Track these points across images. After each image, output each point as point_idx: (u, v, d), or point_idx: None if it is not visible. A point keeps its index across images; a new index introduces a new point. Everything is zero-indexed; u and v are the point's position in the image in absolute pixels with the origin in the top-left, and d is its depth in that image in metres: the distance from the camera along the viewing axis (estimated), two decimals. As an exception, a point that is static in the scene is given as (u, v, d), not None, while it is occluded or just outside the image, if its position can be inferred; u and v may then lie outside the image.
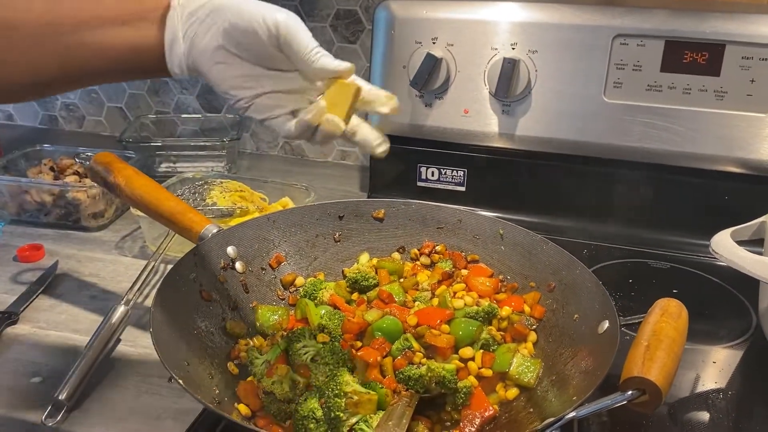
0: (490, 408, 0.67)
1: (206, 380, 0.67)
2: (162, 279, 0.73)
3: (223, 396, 0.67)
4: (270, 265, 0.86)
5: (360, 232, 0.91)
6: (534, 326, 0.79)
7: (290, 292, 0.86)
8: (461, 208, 0.92)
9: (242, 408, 0.66)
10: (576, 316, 0.75)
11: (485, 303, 0.79)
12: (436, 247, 0.89)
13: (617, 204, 1.10)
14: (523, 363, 0.72)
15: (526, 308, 0.80)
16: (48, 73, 0.63)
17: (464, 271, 0.86)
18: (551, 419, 0.55)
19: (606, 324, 0.68)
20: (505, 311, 0.79)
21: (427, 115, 1.13)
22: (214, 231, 0.81)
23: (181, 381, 0.58)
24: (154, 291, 0.71)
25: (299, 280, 0.86)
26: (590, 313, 0.73)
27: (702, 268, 1.01)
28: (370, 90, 0.64)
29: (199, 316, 0.74)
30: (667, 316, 0.65)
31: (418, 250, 0.90)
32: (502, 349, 0.74)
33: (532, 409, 0.67)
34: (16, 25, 0.60)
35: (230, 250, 0.82)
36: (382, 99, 0.64)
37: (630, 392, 0.57)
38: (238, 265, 0.82)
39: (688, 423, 0.73)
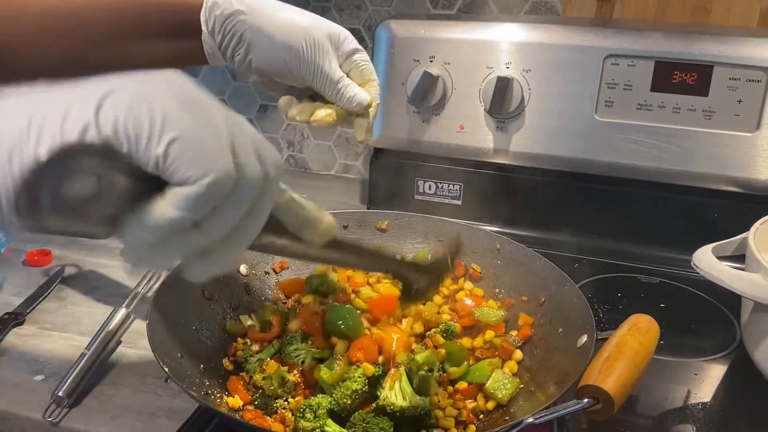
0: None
1: (197, 373, 0.70)
2: (168, 274, 0.76)
3: (214, 389, 0.70)
4: (273, 270, 0.89)
5: (363, 242, 0.94)
6: (520, 344, 0.80)
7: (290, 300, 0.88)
8: (461, 222, 0.95)
9: (231, 401, 0.69)
10: (560, 329, 0.77)
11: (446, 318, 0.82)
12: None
13: (608, 219, 1.12)
14: (500, 380, 0.73)
15: (513, 333, 0.82)
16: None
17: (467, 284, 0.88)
18: (509, 424, 0.57)
19: (584, 338, 0.71)
20: (488, 335, 0.81)
21: (424, 130, 1.16)
22: None
23: (166, 368, 0.62)
24: (149, 306, 0.74)
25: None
26: (573, 327, 0.75)
27: (690, 284, 1.03)
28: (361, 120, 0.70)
29: (200, 313, 0.78)
30: (635, 330, 0.67)
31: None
32: (483, 363, 0.76)
33: (507, 418, 0.69)
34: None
35: None
36: (363, 129, 0.71)
37: (585, 400, 0.58)
38: (242, 268, 0.86)
39: (673, 436, 0.75)
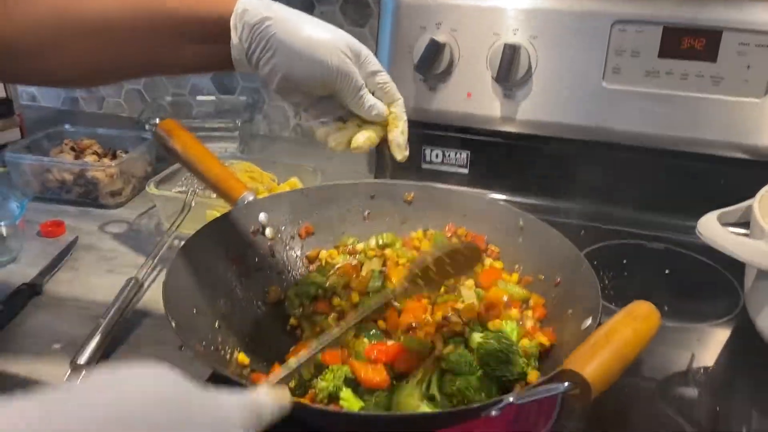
0: None
1: (210, 328, 0.72)
2: (196, 231, 0.78)
3: (225, 345, 0.72)
4: (299, 234, 0.90)
5: (389, 212, 0.94)
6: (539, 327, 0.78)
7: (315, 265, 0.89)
8: (487, 197, 0.94)
9: (241, 357, 0.71)
10: (570, 311, 0.76)
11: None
12: (457, 231, 0.91)
13: (615, 186, 1.12)
14: None
15: (528, 313, 0.80)
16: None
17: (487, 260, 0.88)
18: (493, 399, 0.57)
19: (588, 321, 0.69)
20: (514, 314, 0.78)
21: (431, 98, 1.16)
22: (251, 198, 0.86)
23: (173, 323, 0.63)
24: (168, 263, 0.75)
25: (322, 254, 0.90)
26: (581, 309, 0.74)
27: (695, 250, 1.04)
28: (394, 138, 0.75)
29: (221, 270, 0.79)
30: (630, 317, 0.64)
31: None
32: (512, 323, 0.75)
33: None
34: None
35: (262, 216, 0.87)
36: (399, 148, 0.75)
37: (566, 384, 0.57)
38: (268, 231, 0.88)
39: (676, 399, 0.76)
